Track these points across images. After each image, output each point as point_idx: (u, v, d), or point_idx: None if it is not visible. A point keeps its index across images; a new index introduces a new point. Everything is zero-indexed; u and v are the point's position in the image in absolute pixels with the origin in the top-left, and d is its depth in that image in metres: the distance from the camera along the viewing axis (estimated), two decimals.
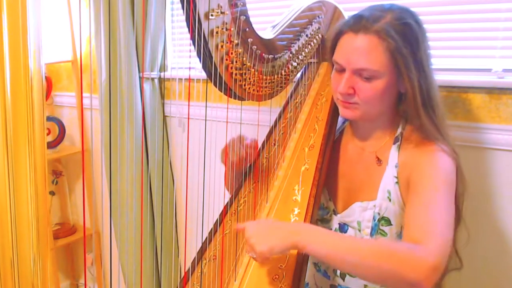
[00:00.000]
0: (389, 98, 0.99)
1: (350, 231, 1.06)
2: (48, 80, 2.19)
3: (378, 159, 1.04)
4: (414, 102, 0.96)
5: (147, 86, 1.83)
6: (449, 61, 1.33)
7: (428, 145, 0.97)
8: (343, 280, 1.07)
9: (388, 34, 0.92)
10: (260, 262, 0.92)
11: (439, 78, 1.30)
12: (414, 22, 0.96)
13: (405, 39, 0.93)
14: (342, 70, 0.99)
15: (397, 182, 0.99)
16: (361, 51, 0.94)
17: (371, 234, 1.02)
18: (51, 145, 2.16)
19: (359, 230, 1.04)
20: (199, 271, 1.02)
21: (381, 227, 1.01)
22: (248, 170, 1.15)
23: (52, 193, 2.34)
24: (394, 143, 1.02)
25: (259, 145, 1.18)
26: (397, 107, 1.03)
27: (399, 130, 1.03)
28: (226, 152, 1.10)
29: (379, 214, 1.01)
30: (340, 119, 1.22)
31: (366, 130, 1.08)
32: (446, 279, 1.03)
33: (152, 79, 1.84)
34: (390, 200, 1.00)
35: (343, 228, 1.08)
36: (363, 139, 1.09)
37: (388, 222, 1.00)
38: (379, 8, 0.97)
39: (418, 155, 0.97)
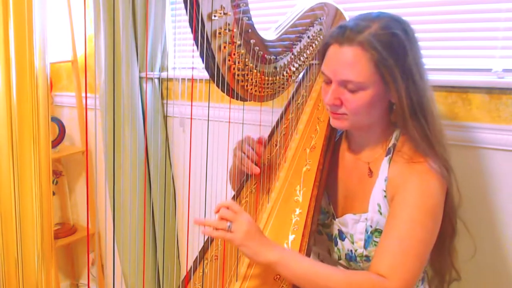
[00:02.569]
0: (379, 108, 0.98)
1: (346, 241, 1.06)
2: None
3: (370, 171, 1.04)
4: (402, 113, 0.94)
5: (147, 86, 1.83)
6: (449, 61, 1.34)
7: (418, 163, 0.95)
8: None
9: (371, 46, 0.90)
10: (224, 239, 0.93)
11: (439, 78, 1.31)
12: (401, 31, 0.92)
13: (390, 49, 0.91)
14: (329, 82, 0.98)
15: (385, 196, 0.99)
16: (345, 63, 0.93)
17: (365, 247, 1.02)
18: (51, 145, 2.16)
19: (352, 243, 1.04)
20: (201, 271, 1.02)
21: (375, 239, 1.01)
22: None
23: (52, 193, 2.34)
24: (386, 155, 1.01)
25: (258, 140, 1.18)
26: (390, 116, 1.02)
27: (392, 141, 1.02)
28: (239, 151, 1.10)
29: (371, 226, 1.01)
30: None
31: (360, 140, 1.07)
32: None
33: (152, 79, 1.84)
34: (381, 213, 0.99)
35: (341, 236, 1.08)
36: (357, 149, 1.08)
37: (381, 234, 0.99)
38: (367, 17, 0.95)
39: (407, 173, 0.96)
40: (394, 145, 1.01)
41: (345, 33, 0.93)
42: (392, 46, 0.91)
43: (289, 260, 0.89)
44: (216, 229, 0.90)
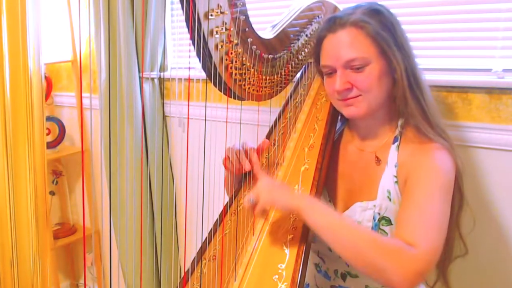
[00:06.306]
0: (386, 84, 1.00)
1: None
2: (48, 80, 2.19)
3: (377, 159, 1.05)
4: (402, 83, 0.97)
5: (147, 86, 1.83)
6: (449, 61, 1.33)
7: (427, 142, 0.98)
8: (344, 281, 1.07)
9: (364, 21, 0.96)
10: (257, 210, 0.92)
11: (439, 78, 1.31)
12: (383, 9, 1.00)
13: (380, 24, 0.97)
14: (332, 73, 1.01)
15: (396, 182, 0.99)
16: (344, 44, 0.97)
17: None
18: (51, 145, 2.16)
19: None
20: (199, 271, 1.02)
21: (381, 227, 1.01)
22: (248, 172, 1.15)
23: (52, 193, 2.34)
24: (393, 143, 1.03)
25: (257, 146, 1.18)
26: (393, 101, 1.03)
27: (398, 129, 1.03)
28: (226, 157, 1.09)
29: (379, 214, 1.01)
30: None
31: (365, 130, 1.08)
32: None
33: (152, 79, 1.84)
34: (390, 199, 1.00)
35: None
36: (363, 140, 1.09)
37: (388, 221, 1.01)
38: (348, 8, 1.02)
39: (417, 153, 0.98)
40: (401, 133, 1.03)
41: (336, 21, 0.99)
42: (381, 21, 0.98)
43: (317, 206, 0.90)
44: (253, 210, 0.93)
